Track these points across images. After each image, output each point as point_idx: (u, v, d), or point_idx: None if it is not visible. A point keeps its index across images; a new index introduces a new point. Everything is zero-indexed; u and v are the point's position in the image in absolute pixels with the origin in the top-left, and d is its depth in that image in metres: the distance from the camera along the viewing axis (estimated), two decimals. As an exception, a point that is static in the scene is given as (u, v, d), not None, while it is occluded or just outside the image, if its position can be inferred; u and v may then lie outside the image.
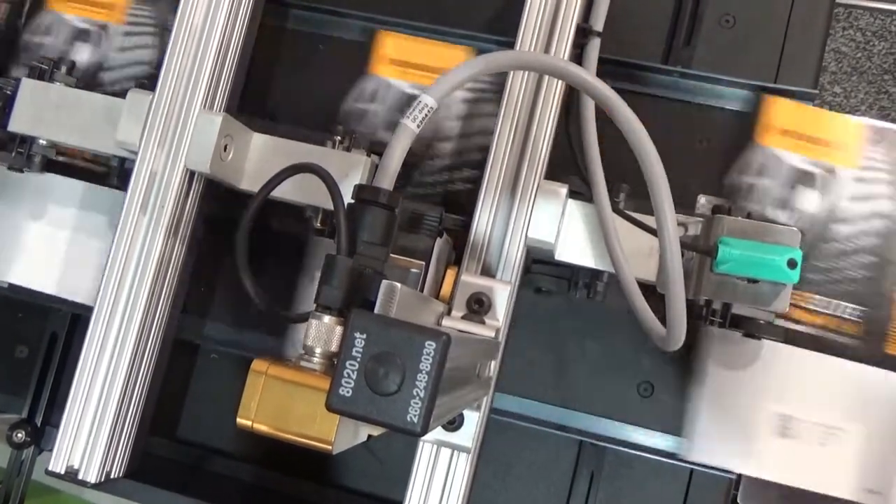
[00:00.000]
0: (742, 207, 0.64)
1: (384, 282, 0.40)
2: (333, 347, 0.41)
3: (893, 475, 0.63)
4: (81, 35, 0.76)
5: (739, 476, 0.66)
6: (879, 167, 0.66)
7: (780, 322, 0.63)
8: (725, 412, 0.64)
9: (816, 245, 0.65)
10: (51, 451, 0.62)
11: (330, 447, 0.40)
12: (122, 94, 0.65)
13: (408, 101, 0.70)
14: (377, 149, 0.64)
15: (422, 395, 0.32)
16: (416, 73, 0.70)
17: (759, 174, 0.66)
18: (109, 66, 0.75)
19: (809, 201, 0.66)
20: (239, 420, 0.41)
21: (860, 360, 0.64)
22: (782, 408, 0.64)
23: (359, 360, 0.33)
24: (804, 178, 0.66)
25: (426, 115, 0.46)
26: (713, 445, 0.64)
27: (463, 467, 0.57)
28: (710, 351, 0.64)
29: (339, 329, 0.41)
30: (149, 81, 0.70)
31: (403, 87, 0.71)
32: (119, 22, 0.76)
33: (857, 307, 0.65)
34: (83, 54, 0.75)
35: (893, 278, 0.65)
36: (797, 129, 0.66)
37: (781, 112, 0.66)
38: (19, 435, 0.71)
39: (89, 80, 0.73)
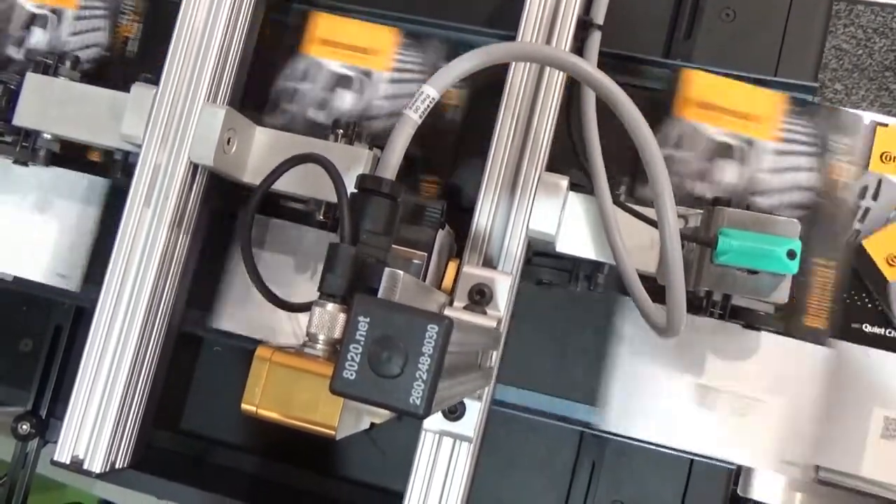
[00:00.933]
0: (742, 199, 0.64)
1: (387, 269, 0.41)
2: (337, 334, 0.42)
3: (810, 447, 0.64)
4: (36, 20, 0.77)
5: (739, 467, 0.66)
6: (799, 139, 0.66)
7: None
8: (642, 382, 0.65)
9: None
10: (55, 443, 0.62)
11: (333, 432, 0.41)
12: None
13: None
14: (379, 142, 0.64)
15: (424, 377, 0.33)
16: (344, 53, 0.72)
17: (677, 146, 0.67)
18: (63, 51, 0.76)
19: (729, 173, 0.66)
20: (243, 406, 0.41)
21: (781, 334, 0.65)
22: (704, 380, 0.65)
23: (362, 343, 0.33)
24: (723, 151, 0.66)
25: (428, 105, 0.47)
26: (628, 415, 0.65)
27: (465, 457, 0.57)
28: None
29: (342, 316, 0.42)
30: (95, 66, 0.71)
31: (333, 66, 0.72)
32: (72, 6, 0.77)
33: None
34: (38, 38, 0.76)
35: (813, 250, 0.65)
36: (715, 101, 0.67)
37: (699, 85, 0.67)
38: (24, 427, 0.72)
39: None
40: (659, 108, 0.67)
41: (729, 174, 0.66)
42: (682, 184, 0.66)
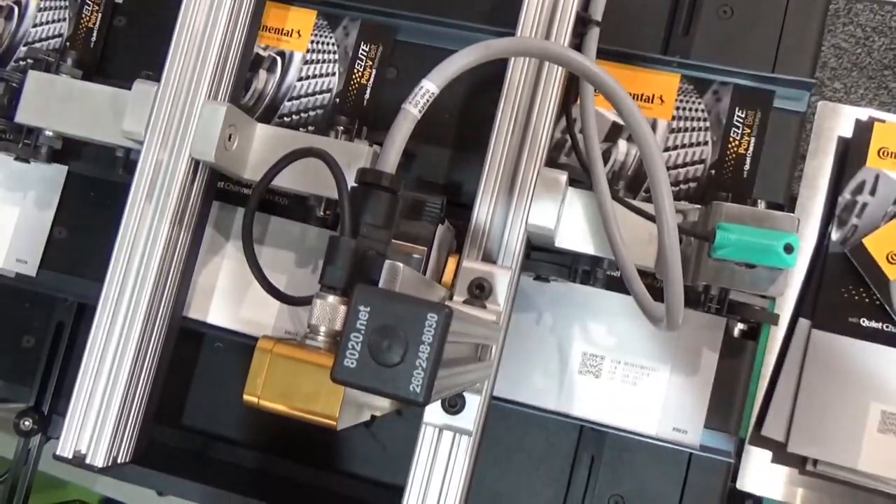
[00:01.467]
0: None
1: (387, 262, 0.41)
2: (337, 326, 0.42)
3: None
4: None
5: (738, 461, 0.66)
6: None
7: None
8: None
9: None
10: (58, 439, 0.62)
11: (334, 423, 0.41)
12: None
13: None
14: (379, 139, 0.65)
15: (424, 365, 0.33)
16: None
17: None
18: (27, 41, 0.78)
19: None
20: (245, 397, 0.41)
21: None
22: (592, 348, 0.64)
23: (363, 332, 0.34)
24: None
25: (427, 100, 0.47)
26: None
27: (464, 451, 0.58)
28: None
29: (342, 308, 0.42)
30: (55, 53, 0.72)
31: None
32: None
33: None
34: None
35: None
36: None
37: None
38: (27, 423, 0.72)
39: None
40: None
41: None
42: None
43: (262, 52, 0.74)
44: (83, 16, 0.77)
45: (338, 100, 0.72)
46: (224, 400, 0.72)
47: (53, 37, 0.77)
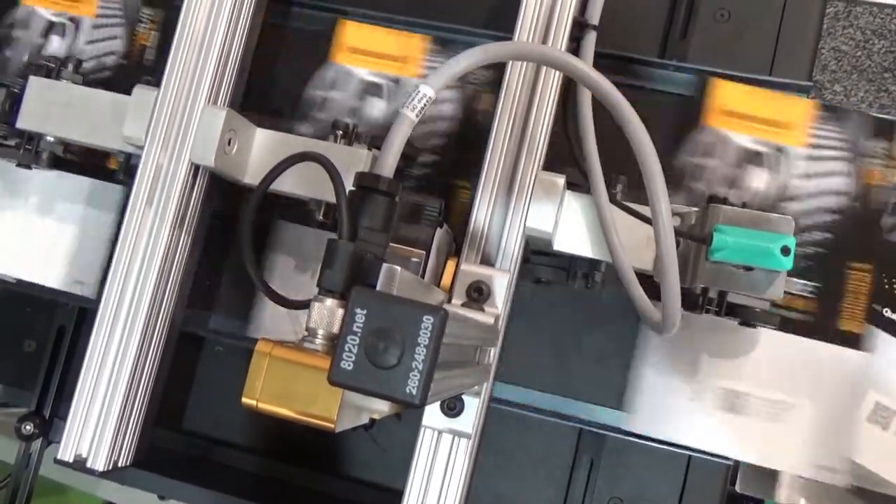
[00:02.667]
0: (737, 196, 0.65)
1: (385, 265, 0.41)
2: (335, 329, 0.42)
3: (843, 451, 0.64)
4: (54, 28, 0.78)
5: (737, 463, 0.67)
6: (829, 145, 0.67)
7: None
8: (670, 386, 0.66)
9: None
10: (59, 443, 0.63)
11: (332, 425, 0.41)
12: (93, 84, 0.69)
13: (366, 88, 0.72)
14: (378, 143, 0.65)
15: (420, 367, 0.33)
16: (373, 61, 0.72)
17: (706, 155, 0.68)
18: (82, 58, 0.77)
19: (759, 180, 0.67)
20: (244, 399, 0.42)
21: (813, 336, 0.65)
22: (732, 384, 0.65)
23: (359, 334, 0.34)
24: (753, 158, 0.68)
25: (425, 104, 0.47)
26: (658, 418, 0.65)
27: (464, 454, 0.58)
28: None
29: (340, 311, 0.42)
30: (112, 73, 0.72)
31: (362, 74, 0.72)
32: (90, 14, 0.78)
33: (808, 283, 0.66)
34: (56, 46, 0.78)
35: (845, 254, 0.66)
36: (744, 110, 0.68)
37: (727, 94, 0.68)
38: (28, 427, 0.72)
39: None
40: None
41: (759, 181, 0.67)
42: (712, 190, 0.67)
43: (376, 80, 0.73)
44: (137, 33, 0.77)
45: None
46: (225, 404, 0.72)
47: (107, 54, 0.77)
